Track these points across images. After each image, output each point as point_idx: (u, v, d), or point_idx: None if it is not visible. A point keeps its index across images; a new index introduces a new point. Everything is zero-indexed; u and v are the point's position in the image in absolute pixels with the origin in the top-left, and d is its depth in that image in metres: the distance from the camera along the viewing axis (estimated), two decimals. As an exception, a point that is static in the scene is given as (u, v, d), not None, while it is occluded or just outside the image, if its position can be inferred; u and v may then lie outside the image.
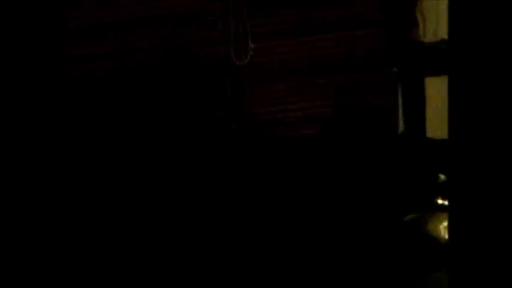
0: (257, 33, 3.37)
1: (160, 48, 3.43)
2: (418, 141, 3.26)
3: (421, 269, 3.03)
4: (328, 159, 3.35)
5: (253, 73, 3.40)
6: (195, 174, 3.42)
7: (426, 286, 2.97)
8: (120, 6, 3.38)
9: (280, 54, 3.40)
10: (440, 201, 3.02)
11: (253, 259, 3.27)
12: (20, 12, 2.75)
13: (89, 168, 3.43)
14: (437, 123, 3.13)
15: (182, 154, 3.45)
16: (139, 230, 3.37)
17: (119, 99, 3.45)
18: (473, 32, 1.80)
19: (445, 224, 2.84)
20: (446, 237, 2.71)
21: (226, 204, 3.38)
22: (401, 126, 3.33)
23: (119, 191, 3.41)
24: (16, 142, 2.81)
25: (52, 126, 3.09)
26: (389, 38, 3.29)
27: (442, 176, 3.07)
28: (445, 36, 2.65)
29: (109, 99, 3.44)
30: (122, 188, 3.42)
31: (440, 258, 2.89)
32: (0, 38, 2.71)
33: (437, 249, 3.00)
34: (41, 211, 3.08)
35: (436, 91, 3.13)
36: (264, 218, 3.32)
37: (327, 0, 3.32)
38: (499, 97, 1.77)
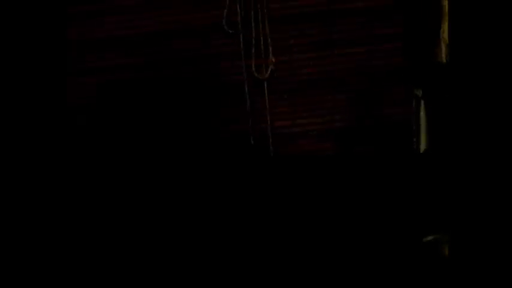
0: (278, 48, 3.37)
1: (180, 62, 3.46)
2: (439, 160, 3.19)
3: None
4: (347, 175, 3.30)
5: (274, 87, 3.39)
6: (213, 188, 3.41)
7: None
8: (142, 20, 3.42)
9: (300, 68, 3.38)
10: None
11: (269, 274, 3.24)
12: (23, 25, 2.79)
13: (100, 185, 3.46)
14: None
15: (201, 168, 3.45)
16: (159, 237, 3.38)
17: (137, 111, 3.47)
18: (471, 57, 1.76)
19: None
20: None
21: (244, 218, 3.36)
22: (424, 144, 3.26)
23: (137, 202, 3.43)
24: (18, 149, 2.84)
25: (58, 135, 3.11)
26: (412, 57, 3.24)
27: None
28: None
29: (126, 112, 3.47)
30: (140, 200, 3.43)
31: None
32: (4, 50, 2.75)
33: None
34: (42, 212, 3.09)
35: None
36: (282, 234, 3.29)
37: (347, 16, 3.29)
38: (498, 116, 1.72)
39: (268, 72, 3.38)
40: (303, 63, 3.37)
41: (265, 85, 3.40)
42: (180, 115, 3.46)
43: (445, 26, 3.17)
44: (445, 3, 3.15)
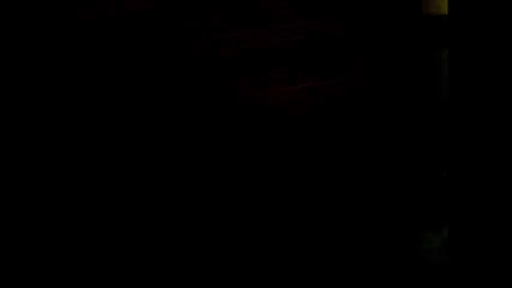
0: (242, 21, 3.26)
1: (142, 45, 3.34)
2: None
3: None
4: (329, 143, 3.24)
5: (246, 62, 3.31)
6: (185, 165, 3.35)
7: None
8: None
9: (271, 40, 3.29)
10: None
11: (248, 259, 3.19)
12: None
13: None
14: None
15: (172, 145, 3.38)
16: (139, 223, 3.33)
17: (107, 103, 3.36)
18: (472, 8, 1.65)
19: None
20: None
21: (217, 199, 3.30)
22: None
23: (114, 181, 3.36)
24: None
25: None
26: (393, 9, 3.21)
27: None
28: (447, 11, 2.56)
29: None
30: (115, 177, 3.36)
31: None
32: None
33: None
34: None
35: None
36: (260, 217, 3.23)
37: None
38: (500, 75, 1.61)
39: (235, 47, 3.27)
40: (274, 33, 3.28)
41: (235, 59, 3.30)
42: (159, 96, 3.37)
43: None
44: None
